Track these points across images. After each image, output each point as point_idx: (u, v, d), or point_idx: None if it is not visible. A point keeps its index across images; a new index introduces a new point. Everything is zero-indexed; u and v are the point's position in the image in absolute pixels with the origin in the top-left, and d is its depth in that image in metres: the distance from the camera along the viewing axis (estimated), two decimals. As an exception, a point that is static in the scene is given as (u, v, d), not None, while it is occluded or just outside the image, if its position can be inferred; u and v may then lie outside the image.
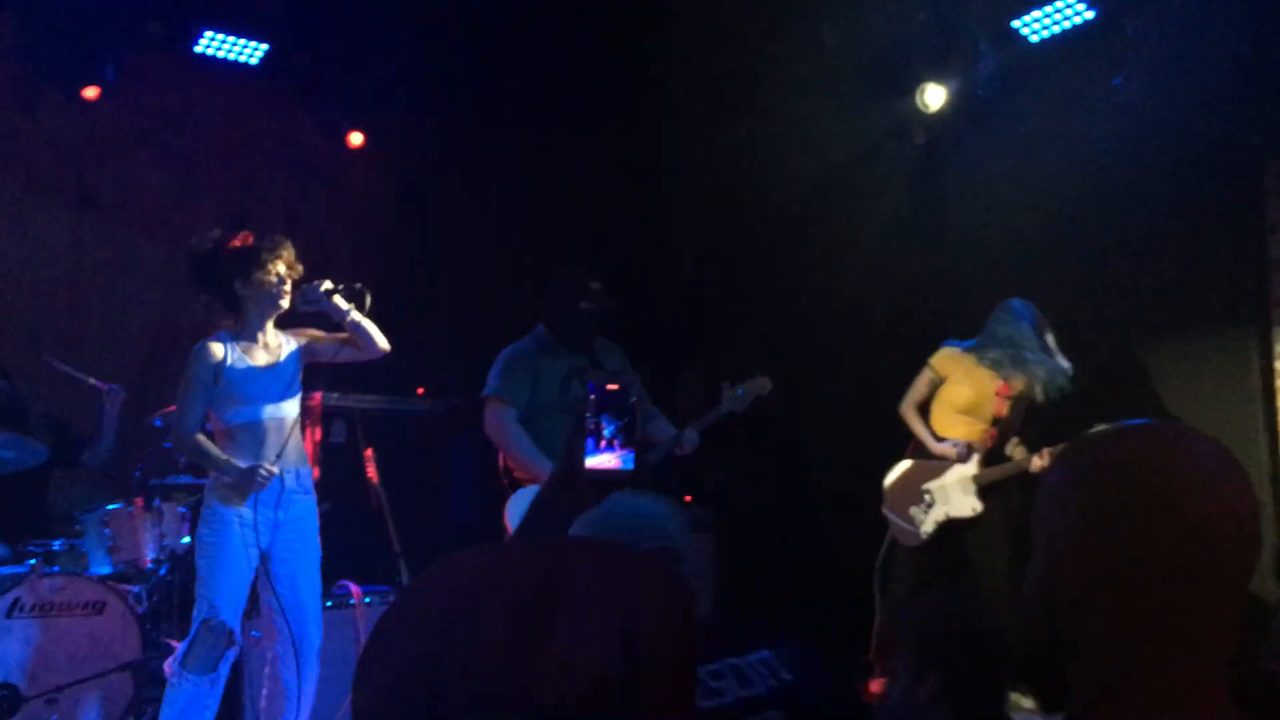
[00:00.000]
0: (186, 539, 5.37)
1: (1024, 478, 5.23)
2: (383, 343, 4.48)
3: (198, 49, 6.54)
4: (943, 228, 6.48)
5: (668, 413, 5.21)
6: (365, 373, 6.38)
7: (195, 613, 4.16)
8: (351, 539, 5.86)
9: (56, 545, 5.17)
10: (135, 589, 5.14)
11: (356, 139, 7.31)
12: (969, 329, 5.57)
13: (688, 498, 6.90)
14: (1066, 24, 5.71)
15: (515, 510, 4.67)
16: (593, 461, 1.67)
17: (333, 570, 5.36)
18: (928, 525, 5.40)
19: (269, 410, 4.29)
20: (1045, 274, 5.83)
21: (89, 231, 6.74)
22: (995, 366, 5.34)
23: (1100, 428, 1.22)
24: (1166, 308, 5.81)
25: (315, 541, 4.43)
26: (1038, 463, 5.11)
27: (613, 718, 0.98)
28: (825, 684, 1.98)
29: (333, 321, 4.48)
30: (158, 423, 5.48)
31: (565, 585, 1.02)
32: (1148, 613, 1.12)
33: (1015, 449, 5.37)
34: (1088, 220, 5.82)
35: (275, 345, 4.39)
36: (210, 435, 4.31)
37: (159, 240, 6.90)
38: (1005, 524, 5.30)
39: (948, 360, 5.49)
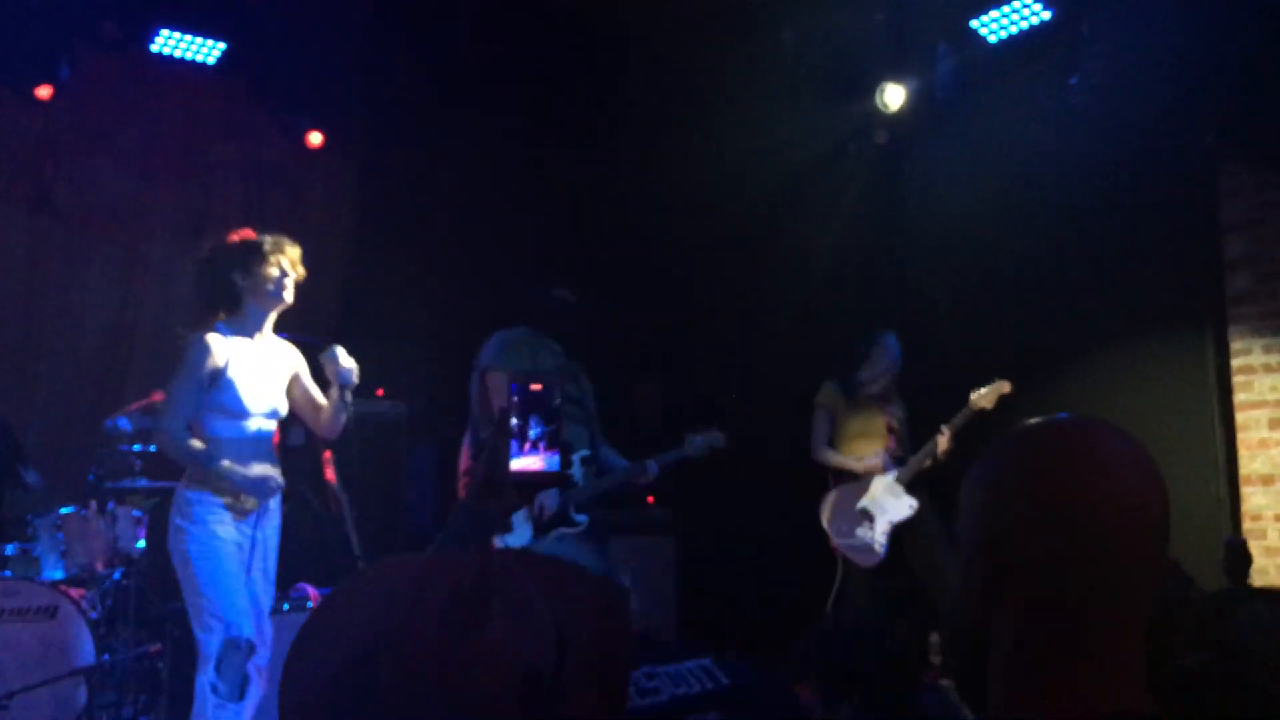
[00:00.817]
0: (141, 543, 5.31)
1: (941, 464, 5.49)
2: (338, 428, 4.31)
3: (154, 48, 6.45)
4: (902, 227, 6.51)
5: (624, 425, 5.25)
6: (324, 375, 6.36)
7: (205, 637, 3.82)
8: (310, 542, 5.81)
9: (9, 549, 5.09)
10: (89, 593, 5.07)
11: (315, 139, 7.25)
12: (927, 329, 5.62)
13: (650, 499, 6.89)
14: (1024, 24, 5.76)
15: None
16: (518, 464, 1.64)
17: (291, 573, 5.32)
18: (879, 537, 5.55)
19: (255, 424, 4.05)
20: (1003, 272, 5.87)
21: (44, 232, 6.64)
22: (874, 399, 5.74)
23: (1020, 423, 1.22)
24: (1123, 307, 5.86)
25: (276, 555, 4.24)
26: (942, 442, 5.44)
27: (540, 709, 0.98)
28: (761, 687, 1.99)
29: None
30: (115, 424, 5.41)
31: (500, 583, 1.03)
32: (1056, 606, 1.11)
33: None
34: (1045, 219, 5.87)
35: (272, 351, 4.18)
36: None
37: (115, 241, 6.82)
38: (946, 533, 5.47)
39: (832, 397, 5.81)
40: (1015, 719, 1.10)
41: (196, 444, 3.92)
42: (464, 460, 4.87)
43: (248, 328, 4.10)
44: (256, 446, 4.05)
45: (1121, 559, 1.10)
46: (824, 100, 6.48)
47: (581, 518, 4.75)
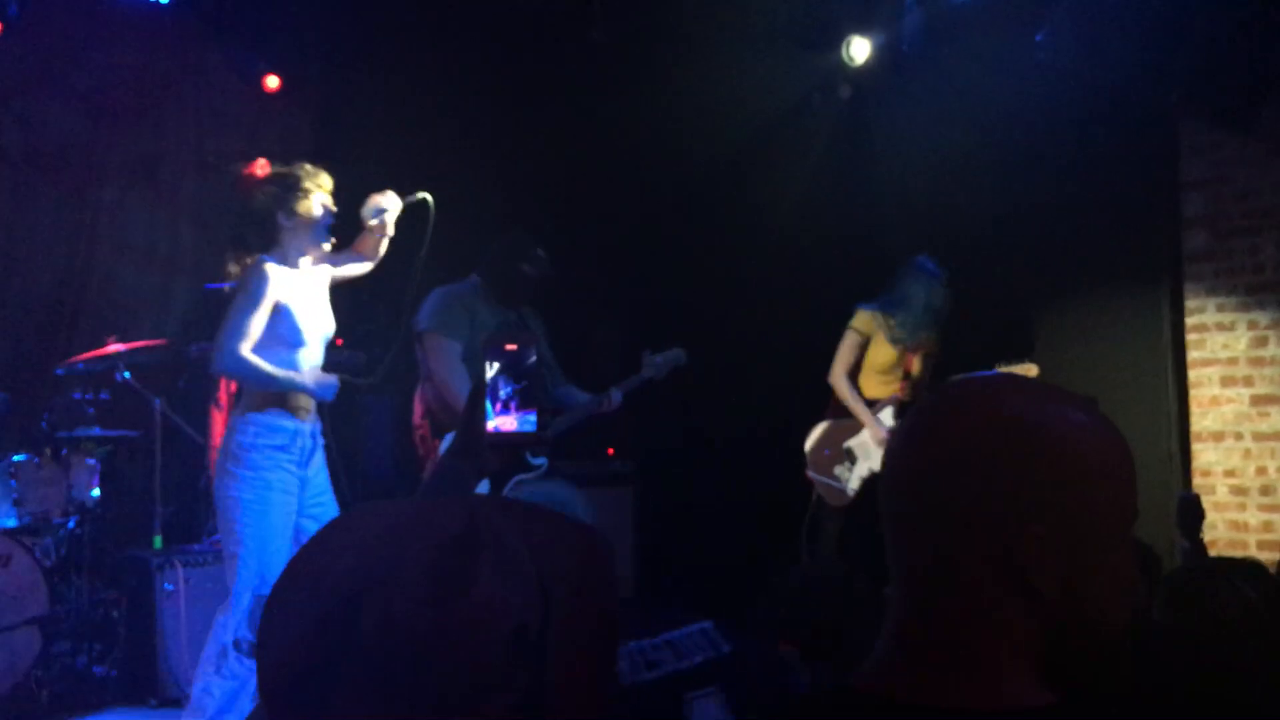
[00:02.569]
0: (96, 492, 5.24)
1: None
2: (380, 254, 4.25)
3: (105, -14, 6.29)
4: (866, 182, 6.51)
5: (585, 370, 5.21)
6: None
7: (238, 588, 3.69)
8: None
9: (-41, 498, 5.02)
10: (43, 541, 5.01)
11: (273, 83, 7.10)
12: (889, 280, 5.62)
13: (610, 450, 6.89)
14: (991, -21, 5.74)
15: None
16: (493, 424, 1.61)
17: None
18: (853, 482, 5.52)
19: (309, 355, 3.92)
20: (965, 228, 5.88)
21: (-10, 174, 6.49)
22: (908, 327, 5.47)
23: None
24: (1082, 262, 5.92)
25: (332, 491, 4.08)
26: None
27: (528, 667, 0.97)
28: (761, 654, 1.99)
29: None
30: (61, 371, 5.32)
31: (486, 534, 1.01)
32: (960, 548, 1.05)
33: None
34: (1007, 174, 5.89)
35: (314, 278, 4.01)
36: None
37: (63, 183, 6.67)
38: None
39: (869, 320, 5.57)
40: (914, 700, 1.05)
41: (263, 364, 3.74)
42: (416, 414, 4.83)
43: (290, 259, 3.93)
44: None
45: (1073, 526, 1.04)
46: (789, 52, 6.43)
47: (540, 460, 4.73)
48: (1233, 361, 5.68)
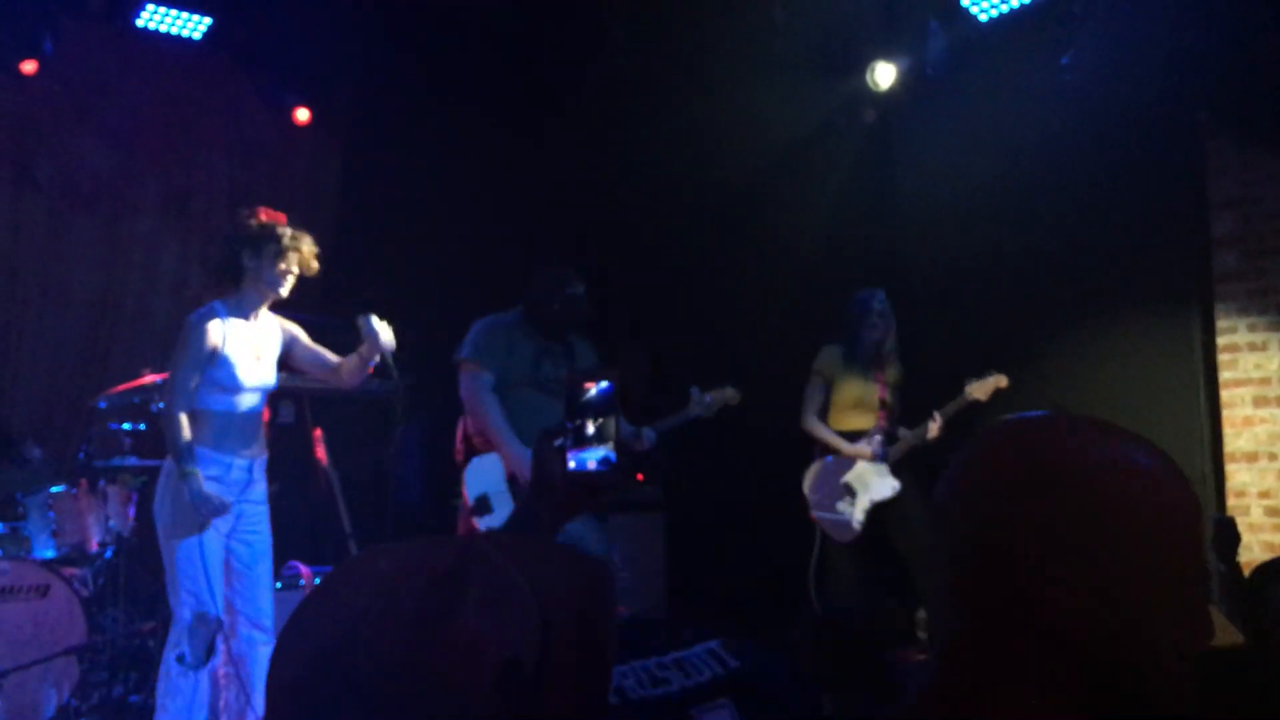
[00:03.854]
0: (132, 521, 5.29)
1: (928, 448, 5.50)
2: (358, 381, 4.44)
3: (139, 23, 6.38)
4: (892, 205, 6.52)
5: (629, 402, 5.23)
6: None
7: (178, 608, 4.03)
8: (300, 520, 5.82)
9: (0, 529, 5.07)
10: (80, 572, 5.06)
11: (303, 115, 7.19)
12: (917, 306, 5.64)
13: (639, 476, 6.89)
14: (1015, 3, 5.76)
15: (472, 478, 4.64)
16: (571, 463, 1.56)
17: (282, 551, 5.31)
18: (858, 514, 5.58)
19: (247, 400, 4.20)
20: (992, 251, 5.89)
21: (26, 208, 6.58)
22: (868, 362, 5.66)
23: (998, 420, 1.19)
24: (1112, 284, 5.89)
25: (268, 522, 4.36)
26: (933, 429, 5.46)
27: (520, 700, 0.98)
28: (773, 669, 1.98)
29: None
30: (101, 404, 5.38)
31: (478, 568, 1.03)
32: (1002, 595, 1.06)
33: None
34: (1034, 197, 5.89)
35: (264, 330, 4.29)
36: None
37: (98, 217, 6.77)
38: (927, 510, 5.46)
39: (830, 364, 5.75)
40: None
41: (186, 430, 4.05)
42: (457, 439, 4.87)
43: (244, 309, 4.21)
44: (246, 421, 4.21)
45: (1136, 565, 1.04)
46: (814, 77, 6.46)
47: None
48: (1265, 381, 5.64)
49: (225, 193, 7.22)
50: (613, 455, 1.55)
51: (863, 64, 6.30)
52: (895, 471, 5.58)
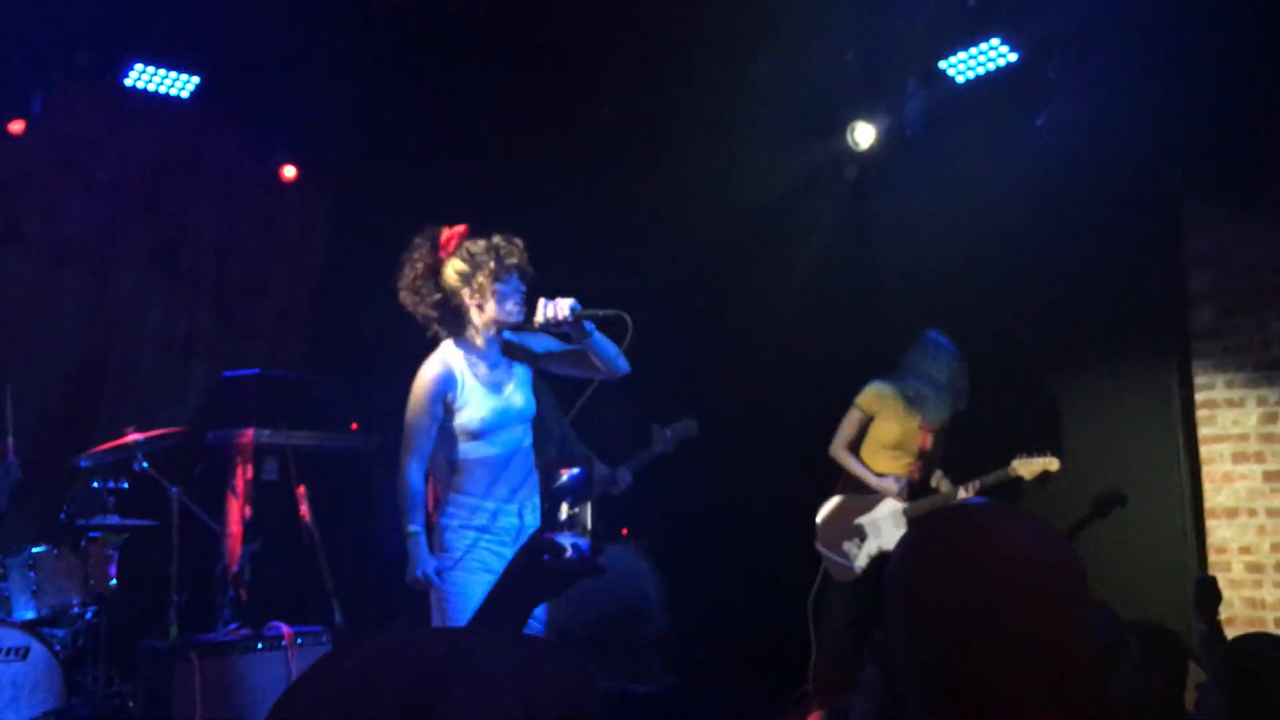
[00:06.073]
0: (113, 581, 5.27)
1: None
2: (624, 363, 3.90)
3: (127, 82, 6.43)
4: (872, 262, 6.57)
5: (596, 445, 5.24)
6: (297, 409, 6.28)
7: None
8: (283, 578, 5.79)
9: (-22, 589, 5.05)
10: (61, 633, 5.03)
11: (289, 172, 7.24)
12: (895, 362, 5.66)
13: (624, 530, 6.89)
14: (991, 65, 5.84)
15: None
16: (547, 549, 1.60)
17: (264, 610, 5.29)
18: (861, 559, 5.51)
19: (506, 440, 3.80)
20: (971, 308, 5.93)
21: (13, 265, 6.59)
22: (918, 403, 5.51)
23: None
24: (1090, 342, 5.94)
25: None
26: (963, 494, 5.33)
27: None
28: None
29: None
30: (83, 463, 5.38)
31: (463, 664, 1.03)
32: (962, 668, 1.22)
33: (940, 481, 5.52)
34: (1012, 256, 5.95)
35: (505, 359, 3.86)
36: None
37: (85, 274, 6.78)
38: None
39: (874, 398, 5.63)
40: None
41: (415, 493, 3.74)
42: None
43: (476, 345, 3.82)
44: (510, 460, 3.83)
45: (1023, 624, 1.20)
46: (795, 136, 6.53)
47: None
48: (1244, 438, 5.68)
49: (213, 249, 7.25)
50: (585, 544, 1.61)
51: (843, 123, 6.38)
52: (912, 525, 5.51)
